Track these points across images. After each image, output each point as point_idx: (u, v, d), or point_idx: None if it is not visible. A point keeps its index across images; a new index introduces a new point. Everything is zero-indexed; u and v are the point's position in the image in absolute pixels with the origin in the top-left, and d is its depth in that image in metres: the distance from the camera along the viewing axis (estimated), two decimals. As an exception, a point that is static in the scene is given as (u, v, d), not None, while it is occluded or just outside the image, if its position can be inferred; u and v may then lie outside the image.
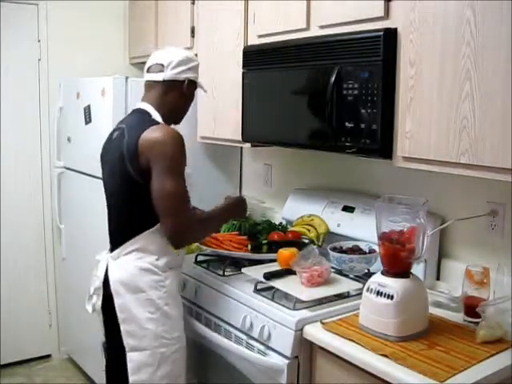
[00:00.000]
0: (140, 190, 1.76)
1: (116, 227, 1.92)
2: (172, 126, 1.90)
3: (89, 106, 2.92)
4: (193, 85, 1.96)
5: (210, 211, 2.00)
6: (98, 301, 1.88)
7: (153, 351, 1.80)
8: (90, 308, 1.93)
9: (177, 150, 1.76)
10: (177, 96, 1.91)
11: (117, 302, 1.81)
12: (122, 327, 1.80)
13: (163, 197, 1.73)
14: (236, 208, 2.09)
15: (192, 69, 1.93)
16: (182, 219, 1.76)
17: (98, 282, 1.88)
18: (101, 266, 1.89)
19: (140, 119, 1.86)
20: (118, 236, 1.87)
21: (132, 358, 1.80)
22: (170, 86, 1.89)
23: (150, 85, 1.92)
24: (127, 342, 1.80)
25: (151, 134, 1.75)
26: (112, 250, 1.89)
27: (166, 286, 1.84)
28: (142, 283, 1.80)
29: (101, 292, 1.87)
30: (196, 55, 1.99)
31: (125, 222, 1.88)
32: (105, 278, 1.85)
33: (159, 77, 1.88)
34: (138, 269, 1.81)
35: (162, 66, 1.88)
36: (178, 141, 1.77)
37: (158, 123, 1.81)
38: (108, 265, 1.86)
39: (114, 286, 1.82)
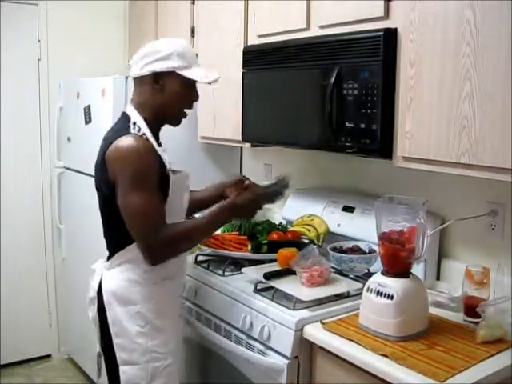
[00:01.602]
0: (115, 205, 1.66)
1: (106, 238, 1.84)
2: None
3: (89, 106, 2.92)
4: (169, 77, 1.71)
5: (196, 219, 1.84)
6: (93, 311, 1.83)
7: (144, 365, 1.74)
8: (90, 315, 1.87)
9: (140, 163, 1.62)
10: (148, 92, 1.73)
11: (109, 314, 1.75)
12: (114, 340, 1.75)
13: (128, 217, 1.64)
14: (232, 210, 1.77)
15: (159, 60, 1.69)
16: (152, 240, 1.62)
17: (92, 292, 1.83)
18: (96, 275, 1.84)
19: (117, 127, 1.75)
20: (110, 247, 1.82)
21: (124, 371, 1.75)
22: (140, 82, 1.75)
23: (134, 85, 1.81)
24: (119, 355, 1.75)
25: (115, 147, 1.64)
26: (108, 259, 1.83)
27: (156, 298, 1.76)
28: (132, 295, 1.74)
29: (96, 302, 1.81)
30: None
31: (112, 234, 1.80)
32: (99, 288, 1.80)
33: (130, 75, 1.79)
34: (127, 280, 1.75)
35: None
36: (142, 153, 1.62)
37: (127, 133, 1.66)
38: (102, 275, 1.80)
39: (106, 298, 1.76)
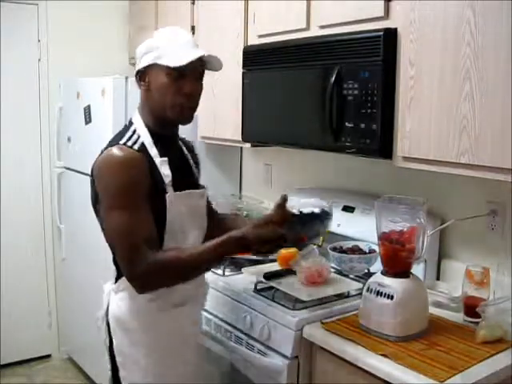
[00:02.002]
0: None
1: (112, 260, 1.63)
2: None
3: (89, 106, 2.92)
4: (152, 71, 1.52)
5: (197, 246, 1.57)
6: (103, 334, 1.69)
7: None
8: (101, 333, 1.73)
9: (121, 178, 1.44)
10: (142, 95, 1.59)
11: (115, 342, 1.62)
12: (121, 372, 1.61)
13: (109, 238, 1.50)
14: (242, 243, 1.50)
15: (142, 57, 1.55)
16: (137, 266, 1.42)
17: (101, 311, 1.68)
18: (105, 297, 1.68)
19: (116, 135, 1.59)
20: (116, 269, 1.63)
21: None
22: (138, 87, 1.60)
23: None
24: None
25: (98, 160, 1.50)
26: (115, 281, 1.65)
27: (161, 328, 1.59)
28: (135, 324, 1.58)
29: (103, 326, 1.67)
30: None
31: (114, 257, 1.58)
32: (107, 310, 1.66)
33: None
34: (130, 310, 1.58)
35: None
36: (124, 166, 1.45)
37: (114, 144, 1.51)
38: (110, 298, 1.65)
39: (112, 326, 1.63)
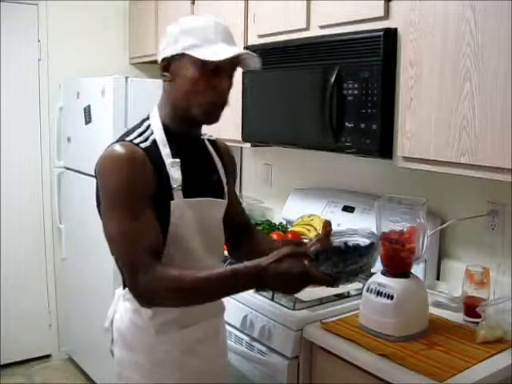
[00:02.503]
0: None
1: (116, 264, 1.46)
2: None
3: (89, 106, 2.92)
4: (180, 62, 1.34)
5: (211, 270, 1.29)
6: (109, 342, 1.58)
7: None
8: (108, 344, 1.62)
9: (121, 177, 1.29)
10: (164, 89, 1.44)
11: (115, 352, 1.52)
12: (118, 381, 1.52)
13: (110, 243, 1.32)
14: (261, 278, 1.24)
15: (169, 45, 1.36)
16: (138, 278, 1.25)
17: (107, 321, 1.57)
18: (112, 306, 1.56)
19: (126, 131, 1.45)
20: (122, 275, 1.43)
21: None
22: (161, 76, 1.42)
23: None
24: None
25: (99, 158, 1.36)
26: (124, 287, 1.49)
27: (162, 351, 1.43)
28: (134, 342, 1.45)
29: (110, 333, 1.56)
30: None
31: (118, 264, 1.41)
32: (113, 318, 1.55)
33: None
34: (131, 323, 1.46)
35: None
36: (125, 164, 1.30)
37: (120, 140, 1.38)
38: (117, 305, 1.53)
39: (114, 334, 1.52)
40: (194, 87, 1.33)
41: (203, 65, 1.31)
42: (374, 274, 1.72)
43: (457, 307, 1.80)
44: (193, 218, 1.40)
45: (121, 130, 2.70)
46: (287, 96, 2.10)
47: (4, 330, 3.22)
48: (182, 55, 1.33)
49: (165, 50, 1.37)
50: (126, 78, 2.70)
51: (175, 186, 1.36)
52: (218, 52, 1.30)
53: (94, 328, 3.04)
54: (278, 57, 2.13)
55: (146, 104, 2.68)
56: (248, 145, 2.45)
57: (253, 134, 2.34)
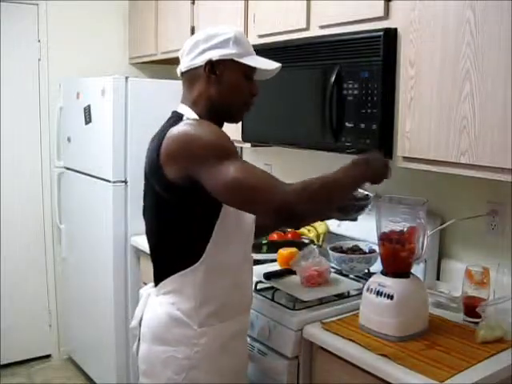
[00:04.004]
0: (172, 212, 1.41)
1: (154, 259, 1.55)
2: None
3: (89, 106, 2.92)
4: (226, 66, 1.46)
5: (324, 174, 1.41)
6: (135, 343, 1.59)
7: None
8: (134, 348, 1.61)
9: (215, 136, 1.38)
10: (202, 85, 1.48)
11: (141, 348, 1.52)
12: (140, 380, 1.53)
13: (235, 185, 1.31)
14: (368, 163, 1.47)
15: (215, 47, 1.46)
16: (278, 188, 1.31)
17: (134, 321, 1.58)
18: (141, 302, 1.58)
19: (168, 124, 1.47)
20: (158, 270, 1.52)
21: None
22: (191, 76, 1.49)
23: (182, 82, 1.55)
24: None
25: (175, 137, 1.38)
26: (156, 283, 1.54)
27: (201, 344, 1.45)
28: (170, 335, 1.46)
29: (138, 333, 1.56)
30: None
31: (160, 253, 1.51)
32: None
33: (178, 71, 1.54)
34: (168, 317, 1.46)
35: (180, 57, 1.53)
36: (212, 127, 1.40)
37: (180, 121, 1.43)
38: (148, 302, 1.55)
39: (142, 330, 1.53)
40: (241, 90, 1.50)
41: (247, 73, 1.50)
42: (374, 274, 1.73)
43: (457, 307, 1.80)
44: (234, 212, 1.44)
45: (121, 130, 2.74)
46: (287, 96, 2.10)
47: (4, 330, 3.22)
48: (229, 60, 1.47)
49: (208, 53, 1.46)
50: (126, 77, 2.70)
51: None
52: (266, 62, 1.53)
53: (94, 328, 3.04)
54: (277, 57, 2.11)
55: (146, 104, 2.72)
56: (248, 145, 2.45)
57: (253, 134, 2.34)
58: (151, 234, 1.53)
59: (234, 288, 1.50)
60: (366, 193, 1.63)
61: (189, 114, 1.47)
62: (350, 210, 1.64)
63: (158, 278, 1.51)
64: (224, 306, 1.50)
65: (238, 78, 1.49)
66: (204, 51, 1.46)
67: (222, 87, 1.47)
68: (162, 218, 1.47)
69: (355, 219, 1.71)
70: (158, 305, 1.50)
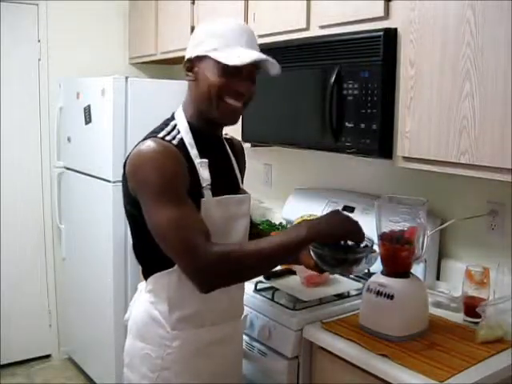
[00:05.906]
0: (139, 223, 1.37)
1: (137, 258, 1.53)
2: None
3: (89, 106, 2.92)
4: (203, 63, 1.38)
5: (260, 239, 1.38)
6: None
7: None
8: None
9: (161, 170, 1.30)
10: (189, 87, 1.45)
11: (126, 341, 1.54)
12: (124, 371, 1.53)
13: (161, 237, 1.31)
14: (314, 223, 1.36)
15: (194, 46, 1.40)
16: (198, 259, 1.27)
17: (127, 314, 1.60)
18: (134, 297, 1.60)
19: (151, 131, 1.44)
20: (142, 268, 1.52)
21: None
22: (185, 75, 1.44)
23: None
24: None
25: (131, 156, 1.37)
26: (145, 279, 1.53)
27: (174, 347, 1.43)
28: (148, 334, 1.46)
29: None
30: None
31: (140, 254, 1.50)
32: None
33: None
34: (148, 315, 1.46)
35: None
36: (162, 159, 1.32)
37: (149, 137, 1.38)
38: (138, 297, 1.56)
39: (129, 323, 1.54)
40: (214, 88, 1.37)
41: (224, 68, 1.35)
42: (373, 273, 1.73)
43: (457, 307, 1.80)
44: (221, 216, 1.43)
45: (121, 130, 2.74)
46: (287, 96, 2.10)
47: (4, 330, 3.22)
48: (205, 57, 1.37)
49: (189, 51, 1.41)
50: (126, 77, 2.70)
51: (204, 184, 1.40)
52: (239, 56, 1.34)
53: (93, 328, 3.04)
54: (277, 57, 2.11)
55: (146, 104, 2.72)
56: (248, 145, 2.45)
57: (253, 134, 2.34)
58: (131, 235, 1.50)
59: (212, 296, 1.34)
60: (364, 243, 1.46)
61: (179, 117, 1.45)
62: (333, 264, 1.46)
63: (144, 276, 1.50)
64: (199, 313, 1.44)
65: (214, 74, 1.36)
66: (190, 50, 1.41)
67: (199, 86, 1.40)
68: (134, 222, 1.43)
69: (350, 273, 1.61)
70: (142, 301, 1.50)
